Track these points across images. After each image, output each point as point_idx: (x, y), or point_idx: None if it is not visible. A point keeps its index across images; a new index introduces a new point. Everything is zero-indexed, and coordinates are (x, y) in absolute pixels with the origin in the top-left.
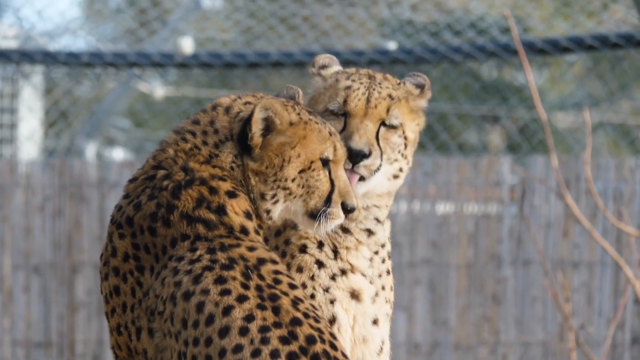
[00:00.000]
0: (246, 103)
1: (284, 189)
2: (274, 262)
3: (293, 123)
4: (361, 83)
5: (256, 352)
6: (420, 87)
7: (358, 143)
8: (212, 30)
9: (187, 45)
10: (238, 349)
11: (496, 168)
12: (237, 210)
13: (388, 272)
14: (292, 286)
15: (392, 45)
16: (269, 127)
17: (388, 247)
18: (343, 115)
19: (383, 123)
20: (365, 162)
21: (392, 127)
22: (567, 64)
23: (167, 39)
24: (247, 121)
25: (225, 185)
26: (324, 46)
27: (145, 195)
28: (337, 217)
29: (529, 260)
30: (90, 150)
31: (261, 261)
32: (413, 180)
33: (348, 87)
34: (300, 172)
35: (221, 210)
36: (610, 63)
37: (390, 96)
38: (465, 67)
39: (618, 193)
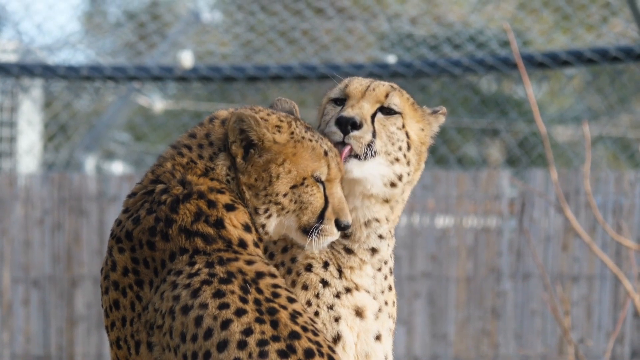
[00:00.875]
0: None
1: (276, 203)
2: (273, 275)
3: (277, 142)
4: (366, 78)
5: None
6: (434, 110)
7: (350, 112)
8: (211, 44)
9: (186, 59)
10: None
11: (495, 181)
12: (235, 223)
13: (390, 288)
14: (291, 300)
15: (391, 59)
16: (251, 140)
17: (390, 263)
18: (343, 103)
19: (381, 109)
20: (356, 132)
21: (391, 115)
22: (566, 78)
23: (167, 53)
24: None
25: (224, 198)
26: (323, 60)
27: (144, 209)
28: (331, 233)
29: (528, 273)
30: (90, 163)
31: (259, 275)
32: (412, 194)
33: (351, 78)
34: (292, 187)
35: (219, 224)
36: (609, 76)
37: (392, 86)
38: (465, 80)
39: (617, 206)
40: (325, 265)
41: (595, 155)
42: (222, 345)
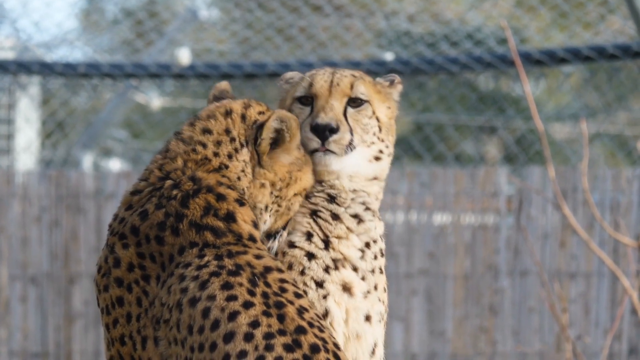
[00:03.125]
0: (260, 112)
1: (279, 205)
2: (280, 270)
3: (300, 148)
4: (325, 70)
5: (260, 359)
6: (390, 81)
7: (324, 118)
8: (209, 41)
9: (184, 56)
10: (242, 354)
11: (493, 179)
12: (246, 218)
13: (381, 271)
14: (298, 295)
15: (389, 56)
16: (277, 140)
17: (381, 245)
18: (310, 102)
19: (349, 102)
20: (334, 136)
21: (360, 105)
22: (564, 75)
23: (164, 50)
24: (260, 127)
25: (234, 194)
26: (320, 57)
27: (152, 204)
28: (280, 243)
29: (526, 270)
30: (87, 161)
31: (268, 269)
32: (410, 191)
33: (313, 74)
34: (295, 195)
35: (230, 218)
36: (607, 74)
37: (353, 75)
38: (462, 78)
39: (615, 204)
40: (309, 236)
41: (593, 152)
42: (229, 337)
